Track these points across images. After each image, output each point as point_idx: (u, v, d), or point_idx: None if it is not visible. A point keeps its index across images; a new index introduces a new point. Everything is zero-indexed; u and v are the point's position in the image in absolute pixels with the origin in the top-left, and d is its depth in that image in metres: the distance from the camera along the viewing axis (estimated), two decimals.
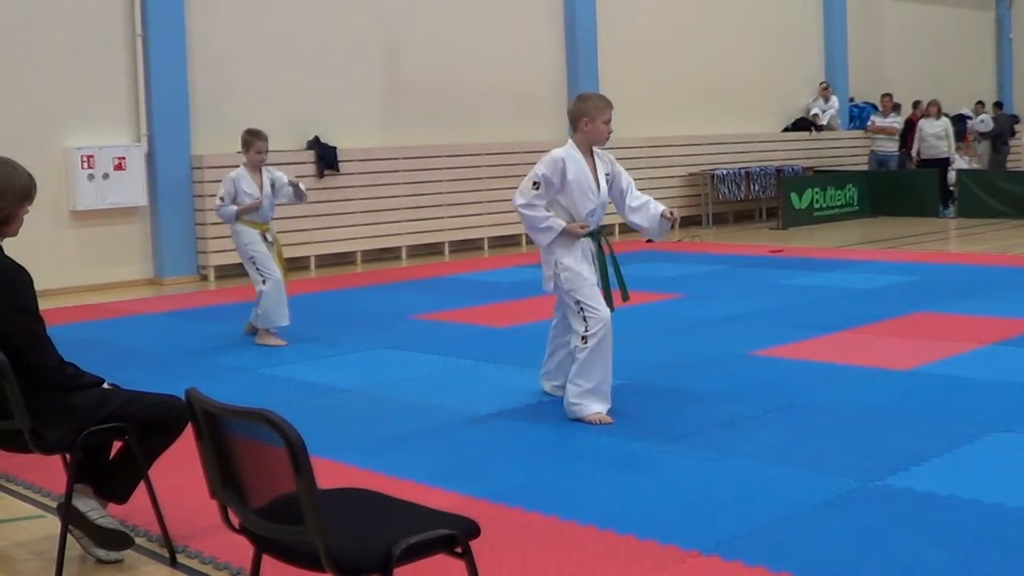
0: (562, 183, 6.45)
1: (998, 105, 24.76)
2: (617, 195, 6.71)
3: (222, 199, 9.16)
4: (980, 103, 24.52)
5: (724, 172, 19.02)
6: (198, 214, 13.91)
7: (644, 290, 11.57)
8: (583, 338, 6.37)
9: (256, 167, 9.18)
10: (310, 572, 3.15)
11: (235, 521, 3.33)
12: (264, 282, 9.07)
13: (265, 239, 9.26)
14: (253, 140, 9.14)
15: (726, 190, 18.95)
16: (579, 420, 6.39)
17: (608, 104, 6.56)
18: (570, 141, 6.60)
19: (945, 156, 20.11)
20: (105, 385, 4.52)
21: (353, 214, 15.11)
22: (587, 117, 6.47)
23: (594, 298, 6.43)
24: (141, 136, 13.61)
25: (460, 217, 16.25)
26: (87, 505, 4.46)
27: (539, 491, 5.20)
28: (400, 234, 15.65)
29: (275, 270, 9.15)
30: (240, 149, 9.31)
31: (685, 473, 5.44)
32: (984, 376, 7.24)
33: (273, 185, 9.25)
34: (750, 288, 11.48)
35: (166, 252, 13.78)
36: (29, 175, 4.44)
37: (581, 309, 6.39)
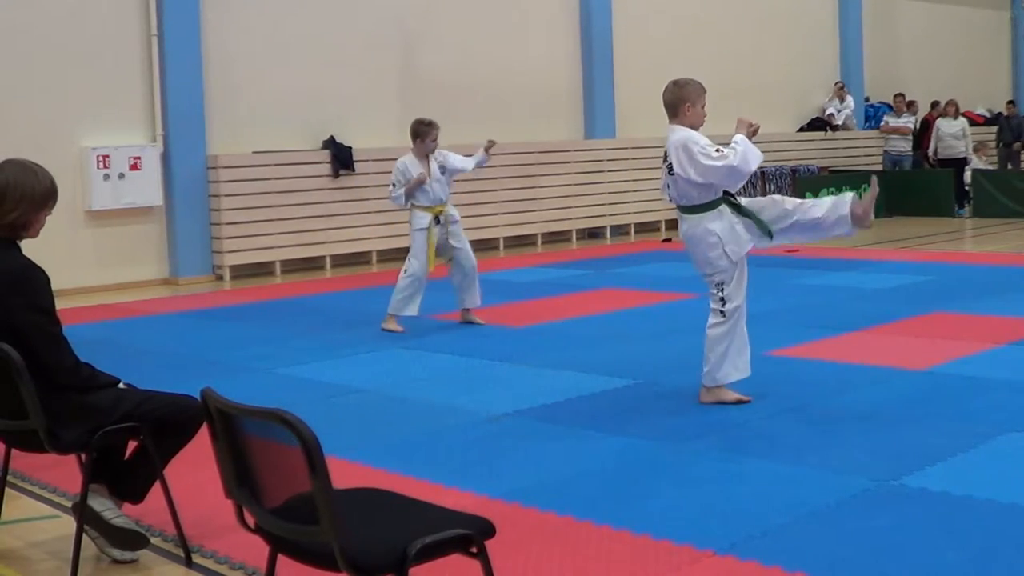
0: None
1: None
2: None
3: (393, 185, 9.48)
4: (1012, 102, 24.41)
5: None
6: (213, 214, 13.94)
7: (659, 290, 11.56)
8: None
9: (425, 155, 9.49)
10: (325, 572, 3.15)
11: (250, 521, 3.34)
12: (407, 270, 9.48)
13: (438, 221, 9.54)
14: (428, 130, 9.47)
15: (741, 190, 18.89)
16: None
17: (705, 89, 6.89)
18: (673, 125, 6.80)
19: (962, 156, 20.05)
20: (121, 385, 4.53)
21: (368, 214, 15.11)
22: (688, 102, 6.77)
23: None
24: (156, 136, 13.64)
25: (476, 217, 16.22)
26: (102, 505, 4.47)
27: (554, 491, 5.20)
28: None
29: (422, 263, 9.44)
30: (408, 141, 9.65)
31: (700, 473, 5.43)
32: (1000, 376, 7.21)
33: (443, 168, 9.59)
34: (765, 288, 11.42)
35: (181, 252, 13.81)
36: (51, 179, 4.44)
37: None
